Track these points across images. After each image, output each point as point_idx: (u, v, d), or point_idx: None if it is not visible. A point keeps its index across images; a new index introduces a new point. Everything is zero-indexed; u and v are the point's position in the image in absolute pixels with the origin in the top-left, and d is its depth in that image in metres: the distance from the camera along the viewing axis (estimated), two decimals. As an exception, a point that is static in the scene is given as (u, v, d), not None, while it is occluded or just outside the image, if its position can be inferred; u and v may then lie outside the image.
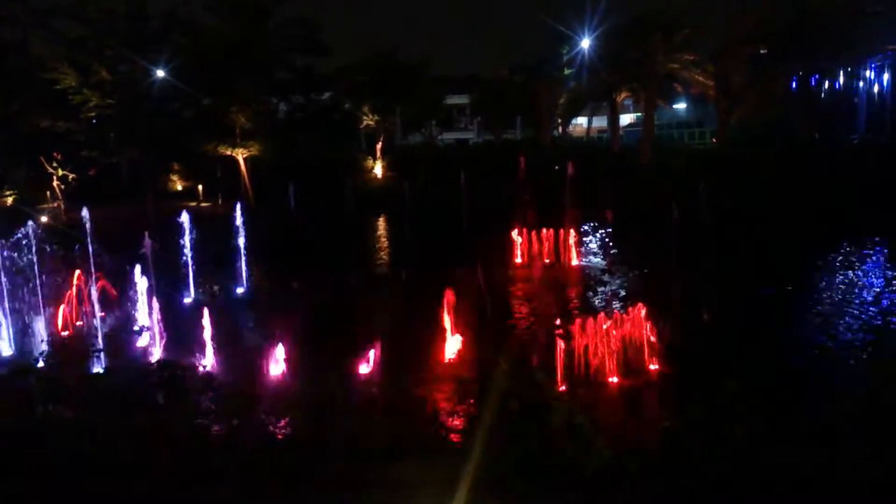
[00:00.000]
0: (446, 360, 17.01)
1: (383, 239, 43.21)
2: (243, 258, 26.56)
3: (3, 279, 19.18)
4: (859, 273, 26.67)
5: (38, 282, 18.90)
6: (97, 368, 16.34)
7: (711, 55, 57.68)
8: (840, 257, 28.83)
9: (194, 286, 22.98)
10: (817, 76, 63.44)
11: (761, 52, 58.49)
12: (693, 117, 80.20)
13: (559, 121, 72.12)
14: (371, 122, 67.97)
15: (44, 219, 47.41)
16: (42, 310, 18.71)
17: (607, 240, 32.45)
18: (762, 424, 12.92)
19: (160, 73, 54.27)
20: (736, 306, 22.00)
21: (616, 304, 19.23)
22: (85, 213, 18.25)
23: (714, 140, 66.50)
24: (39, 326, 18.92)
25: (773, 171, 43.24)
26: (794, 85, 63.12)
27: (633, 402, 14.72)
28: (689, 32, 56.92)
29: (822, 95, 66.46)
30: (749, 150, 52.44)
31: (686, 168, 49.92)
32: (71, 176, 55.08)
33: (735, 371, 16.49)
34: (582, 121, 79.17)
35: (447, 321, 18.33)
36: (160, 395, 13.56)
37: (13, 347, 18.91)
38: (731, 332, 19.98)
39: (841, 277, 26.19)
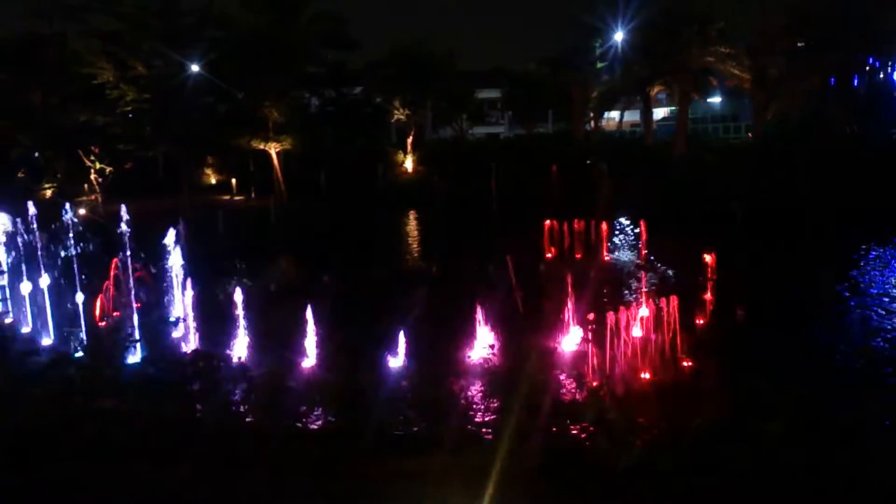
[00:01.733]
0: (476, 353, 17.02)
1: (413, 233, 43.31)
2: (276, 250, 26.83)
3: (42, 270, 19.56)
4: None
5: (76, 273, 19.23)
6: (133, 358, 16.63)
7: (747, 48, 56.76)
8: (877, 254, 28.32)
9: (229, 277, 23.23)
10: (856, 69, 62.12)
11: (798, 44, 57.44)
12: (728, 111, 79.12)
13: (591, 115, 71.56)
14: (401, 117, 68.14)
15: (82, 211, 48.36)
16: (80, 300, 19.04)
17: (640, 235, 32.20)
18: (795, 423, 12.80)
19: (195, 68, 54.90)
20: (771, 303, 21.71)
21: (648, 299, 19.06)
22: (123, 209, 18.52)
23: (749, 134, 65.54)
24: (77, 317, 19.26)
25: (809, 165, 42.52)
26: (831, 78, 61.86)
27: (664, 399, 14.60)
28: (723, 25, 56.08)
29: (861, 89, 65.09)
30: (785, 144, 51.57)
31: (721, 162, 49.29)
32: (108, 169, 55.99)
33: (769, 369, 16.37)
34: (614, 115, 78.47)
35: (478, 314, 18.34)
36: (195, 385, 13.77)
37: (52, 337, 19.30)
38: (767, 328, 19.75)
39: (877, 275, 25.75)
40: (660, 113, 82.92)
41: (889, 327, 19.52)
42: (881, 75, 65.14)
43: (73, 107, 56.31)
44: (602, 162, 48.83)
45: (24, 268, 20.23)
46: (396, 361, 16.73)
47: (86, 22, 56.00)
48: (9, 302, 21.06)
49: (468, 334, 17.97)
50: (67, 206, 18.97)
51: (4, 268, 21.79)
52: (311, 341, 17.16)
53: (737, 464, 11.14)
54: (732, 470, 11.02)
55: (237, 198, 62.86)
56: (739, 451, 11.51)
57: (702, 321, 19.73)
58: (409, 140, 67.61)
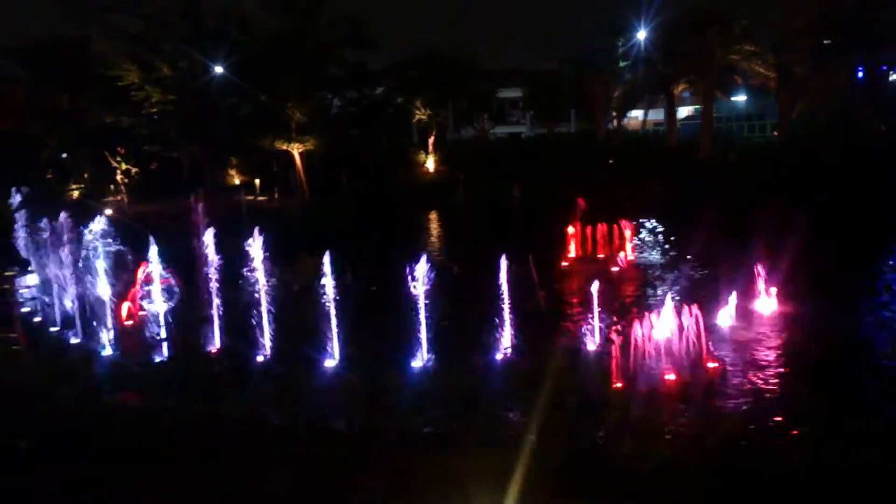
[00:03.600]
0: (500, 353, 16.98)
1: (434, 232, 43.35)
2: (300, 250, 26.94)
3: (71, 269, 19.80)
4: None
5: (104, 272, 19.45)
6: (160, 357, 16.79)
7: (772, 46, 56.18)
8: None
9: (255, 278, 23.36)
10: (883, 67, 61.19)
11: (824, 42, 56.70)
12: (753, 109, 78.34)
13: (614, 114, 71.18)
14: (423, 117, 68.25)
15: (108, 211, 48.95)
16: (108, 299, 19.26)
17: (664, 235, 31.96)
18: (824, 425, 12.65)
19: (218, 70, 55.39)
20: (797, 303, 21.44)
21: (672, 300, 18.92)
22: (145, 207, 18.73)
23: (775, 133, 64.86)
24: (105, 315, 19.48)
25: (836, 164, 41.99)
26: (858, 76, 61.00)
27: (690, 400, 14.48)
28: (747, 23, 55.56)
29: (888, 86, 64.09)
30: (812, 142, 50.97)
31: (746, 162, 48.83)
32: (133, 170, 56.65)
33: (799, 371, 16.19)
34: (637, 114, 77.97)
35: (501, 313, 18.28)
36: (221, 384, 13.87)
37: (80, 336, 19.54)
38: (796, 329, 19.53)
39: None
40: (684, 112, 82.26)
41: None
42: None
43: (99, 109, 57.06)
44: (624, 161, 48.62)
45: (52, 267, 20.49)
46: (420, 361, 16.74)
47: (110, 24, 56.67)
48: (38, 301, 21.33)
49: (491, 334, 17.92)
50: (95, 206, 19.17)
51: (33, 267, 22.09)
52: (335, 340, 17.21)
53: (762, 467, 11.03)
54: (758, 473, 10.91)
55: (260, 198, 63.29)
56: (765, 454, 11.42)
57: (727, 319, 19.56)
58: (431, 140, 67.70)
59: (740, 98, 76.94)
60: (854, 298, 22.17)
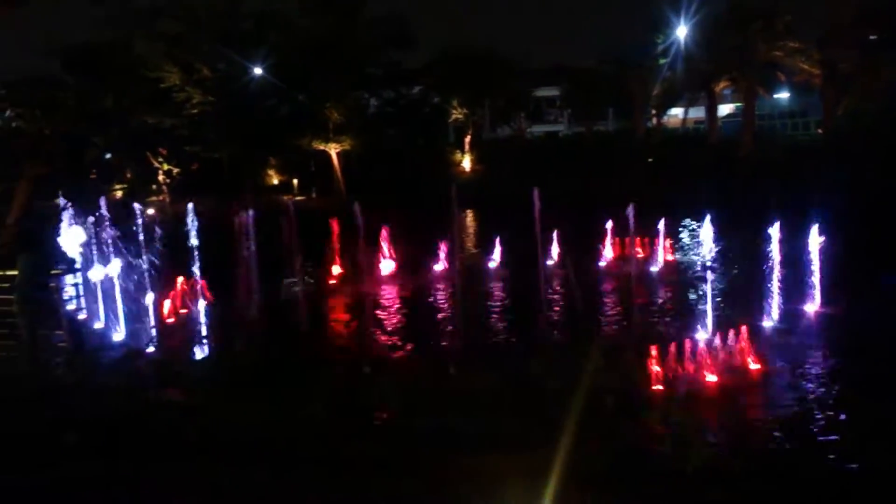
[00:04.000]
0: (537, 353, 16.89)
1: (470, 232, 43.32)
2: (340, 249, 27.18)
3: (117, 268, 20.14)
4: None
5: (147, 271, 19.77)
6: (202, 354, 17.01)
7: (816, 41, 55.09)
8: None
9: (293, 275, 23.63)
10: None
11: (871, 37, 55.42)
12: (797, 107, 76.89)
13: (653, 112, 70.39)
14: (459, 116, 68.22)
15: (150, 211, 49.81)
16: (150, 298, 19.57)
17: (704, 234, 31.48)
18: (870, 428, 12.38)
19: (257, 71, 56.03)
20: (842, 304, 20.95)
21: (713, 300, 18.64)
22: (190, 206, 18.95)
23: (820, 130, 63.59)
24: (148, 313, 19.79)
25: (884, 163, 40.98)
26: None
27: (733, 402, 14.25)
28: (790, 19, 54.56)
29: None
30: (858, 140, 49.80)
31: (789, 160, 47.89)
32: (175, 170, 57.58)
33: (844, 373, 15.82)
34: (677, 111, 77.04)
35: (538, 313, 18.20)
36: (262, 381, 13.99)
37: (124, 333, 19.89)
38: (841, 331, 19.10)
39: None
40: (725, 109, 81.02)
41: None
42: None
43: (142, 110, 58.08)
44: (664, 160, 48.06)
45: (97, 265, 20.87)
46: (458, 358, 16.70)
47: (152, 26, 57.59)
48: (83, 299, 21.75)
49: (528, 333, 17.86)
50: (138, 206, 19.53)
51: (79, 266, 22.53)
52: (373, 337, 17.30)
53: (807, 469, 10.84)
54: (803, 475, 10.72)
55: (298, 197, 63.89)
56: (808, 455, 11.23)
57: (771, 321, 19.20)
58: (467, 139, 67.65)
59: (783, 95, 75.56)
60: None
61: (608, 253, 29.29)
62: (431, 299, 24.47)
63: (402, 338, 19.03)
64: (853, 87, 55.02)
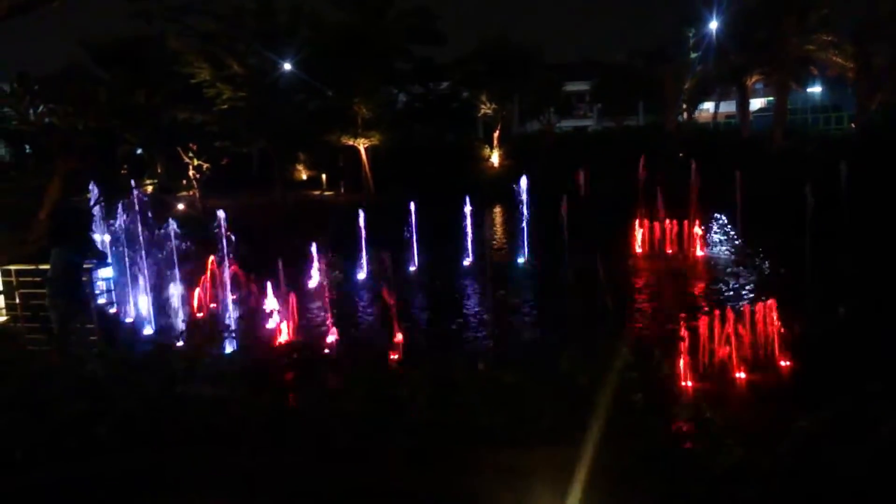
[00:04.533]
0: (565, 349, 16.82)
1: (499, 228, 43.20)
2: (366, 246, 27.28)
3: (146, 262, 20.42)
4: None
5: (175, 265, 20.01)
6: (230, 348, 17.14)
7: (851, 35, 54.06)
8: None
9: (321, 271, 23.79)
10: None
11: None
12: (829, 101, 75.65)
13: (684, 106, 69.64)
14: (488, 111, 68.00)
15: (181, 206, 50.36)
16: (180, 292, 19.80)
17: (736, 230, 31.14)
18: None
19: (287, 67, 56.28)
20: (872, 302, 20.57)
21: (744, 297, 18.43)
22: (220, 214, 19.08)
23: (853, 125, 62.48)
24: (177, 308, 20.04)
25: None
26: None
27: (763, 399, 14.05)
28: (827, 12, 53.60)
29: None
30: (891, 135, 48.80)
31: (822, 155, 47.03)
32: (205, 165, 58.11)
33: (874, 369, 15.53)
34: (708, 106, 76.12)
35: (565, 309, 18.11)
36: (290, 376, 14.03)
37: (154, 327, 20.14)
38: (869, 328, 18.74)
39: None
40: (756, 104, 79.87)
41: None
42: None
43: (173, 106, 58.65)
44: (695, 154, 47.41)
45: (128, 261, 21.16)
46: (487, 356, 16.68)
47: (185, 23, 58.07)
48: (113, 293, 22.08)
49: (555, 330, 17.77)
50: (169, 200, 19.75)
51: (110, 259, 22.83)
52: (400, 335, 17.31)
53: (842, 467, 10.62)
54: (837, 473, 10.50)
55: (327, 193, 64.21)
56: (844, 453, 10.99)
57: (801, 320, 18.89)
58: (496, 134, 67.43)
59: (815, 89, 74.37)
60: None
61: (640, 248, 29.10)
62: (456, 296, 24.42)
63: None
64: (888, 80, 53.94)
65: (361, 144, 60.51)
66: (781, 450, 11.15)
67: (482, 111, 68.54)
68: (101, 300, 19.99)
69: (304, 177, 70.50)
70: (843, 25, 56.06)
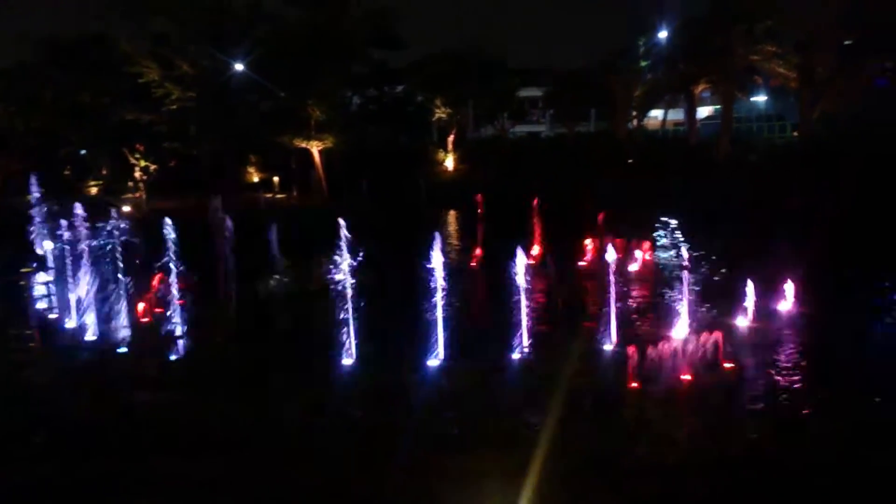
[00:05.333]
0: (518, 353, 16.85)
1: (452, 231, 43.20)
2: (315, 249, 26.95)
3: (88, 267, 19.85)
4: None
5: (119, 270, 19.51)
6: (175, 355, 16.79)
7: (795, 46, 55.58)
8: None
9: (270, 275, 23.44)
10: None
11: (847, 42, 56.00)
12: (774, 110, 77.62)
13: (634, 113, 70.73)
14: (443, 115, 68.10)
15: (126, 208, 49.25)
16: (123, 298, 19.31)
17: (682, 235, 31.60)
18: (842, 423, 12.51)
19: (239, 67, 55.42)
20: (814, 305, 21.16)
21: (689, 301, 18.72)
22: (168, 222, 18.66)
23: (795, 134, 64.22)
24: (121, 313, 19.52)
25: (858, 166, 41.38)
26: (881, 76, 60.26)
27: (707, 400, 14.33)
28: (771, 23, 55.00)
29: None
30: (833, 144, 50.35)
31: (766, 163, 48.32)
32: (152, 167, 56.91)
33: (807, 370, 15.97)
34: (657, 113, 77.47)
35: (517, 313, 18.12)
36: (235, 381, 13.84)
37: (96, 333, 19.60)
38: (812, 329, 19.30)
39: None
40: (704, 112, 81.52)
41: None
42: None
43: (120, 106, 57.37)
44: (644, 161, 48.27)
45: (69, 265, 20.57)
46: (436, 359, 16.63)
47: (136, 23, 56.81)
48: (54, 298, 21.44)
49: (507, 334, 17.78)
50: (114, 203, 19.28)
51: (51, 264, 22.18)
52: (350, 339, 17.14)
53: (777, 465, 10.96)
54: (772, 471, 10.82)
55: (279, 196, 63.45)
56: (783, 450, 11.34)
57: (744, 320, 19.34)
58: (451, 138, 67.55)
59: (760, 98, 76.27)
60: (867, 299, 21.91)
61: (590, 253, 29.38)
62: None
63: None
64: (829, 91, 55.58)
65: (315, 147, 59.94)
66: (725, 448, 11.43)
67: (437, 115, 68.60)
68: (41, 305, 19.39)
69: (256, 179, 69.54)
70: (788, 37, 57.61)
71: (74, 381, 14.83)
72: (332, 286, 17.37)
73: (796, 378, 15.60)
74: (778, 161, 48.26)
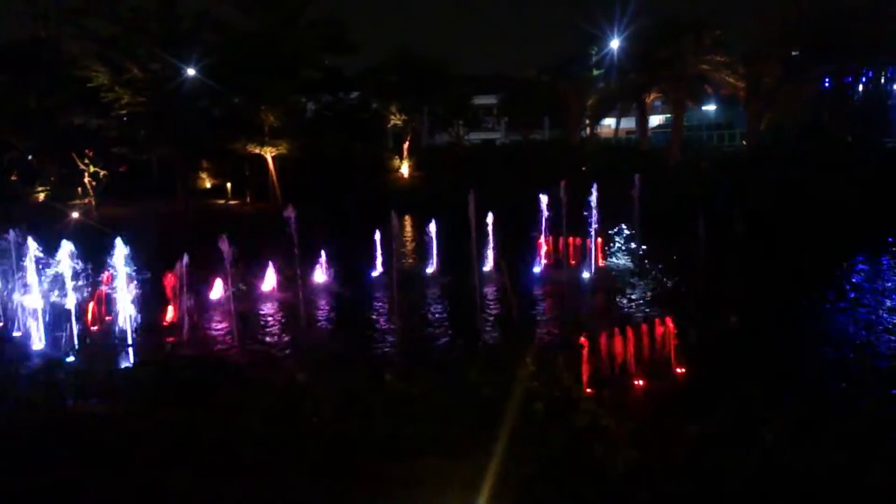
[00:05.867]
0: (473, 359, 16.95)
1: (407, 239, 43.25)
2: (271, 256, 26.76)
3: (36, 274, 19.45)
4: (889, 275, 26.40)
5: (69, 277, 19.13)
6: (126, 363, 16.53)
7: (743, 56, 57.04)
8: (869, 260, 28.46)
9: (225, 283, 23.17)
10: (850, 78, 62.40)
11: (793, 53, 57.68)
12: (723, 119, 79.47)
13: (587, 121, 71.73)
14: (398, 122, 68.16)
15: (75, 215, 48.18)
16: (72, 305, 18.93)
17: (634, 242, 32.12)
18: (789, 429, 12.79)
19: (191, 72, 54.73)
20: (762, 309, 21.73)
21: (642, 307, 19.12)
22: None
23: (744, 142, 65.80)
24: (69, 321, 19.15)
25: (804, 174, 42.62)
26: (826, 86, 62.17)
27: (659, 405, 14.57)
28: (720, 34, 56.35)
29: (856, 97, 65.39)
30: (780, 152, 51.73)
31: (714, 170, 49.39)
32: (102, 172, 55.75)
33: (761, 375, 16.36)
34: (610, 122, 78.73)
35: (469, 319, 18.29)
36: (187, 390, 13.66)
37: (44, 341, 19.19)
38: (758, 334, 19.77)
39: (866, 279, 25.94)
40: (655, 120, 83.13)
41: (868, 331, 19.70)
42: (875, 84, 65.42)
43: (68, 110, 56.13)
44: (597, 169, 48.89)
45: (15, 273, 20.13)
46: (387, 364, 16.64)
47: (83, 26, 55.73)
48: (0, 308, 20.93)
49: (455, 338, 17.93)
50: (62, 209, 18.90)
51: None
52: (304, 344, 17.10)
53: (731, 469, 11.11)
54: (726, 475, 10.99)
55: (232, 202, 62.74)
56: (734, 456, 11.48)
57: (694, 327, 19.74)
58: (406, 145, 67.65)
59: (711, 107, 77.99)
60: (819, 304, 22.61)
61: (543, 260, 29.67)
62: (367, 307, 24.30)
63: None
64: (776, 101, 57.08)
65: (268, 153, 59.41)
66: (675, 454, 11.60)
67: (392, 122, 68.62)
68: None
69: (209, 185, 68.63)
70: (736, 47, 59.12)
71: (20, 392, 14.46)
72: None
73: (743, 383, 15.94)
74: (725, 169, 49.38)
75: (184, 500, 10.93)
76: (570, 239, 29.70)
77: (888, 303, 22.63)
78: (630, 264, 29.84)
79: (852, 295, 23.58)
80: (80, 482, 11.29)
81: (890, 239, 32.76)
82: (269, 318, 22.56)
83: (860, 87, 64.66)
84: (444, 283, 26.70)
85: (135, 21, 54.48)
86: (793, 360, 17.44)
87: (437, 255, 28.68)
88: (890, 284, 25.40)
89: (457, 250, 28.25)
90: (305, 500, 10.99)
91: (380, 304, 24.27)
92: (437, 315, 22.77)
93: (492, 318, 21.57)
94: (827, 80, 60.96)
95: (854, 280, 26.08)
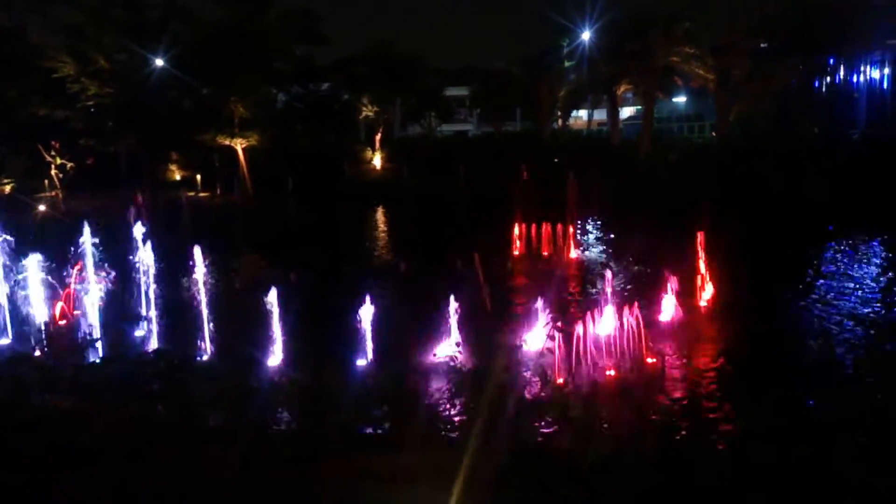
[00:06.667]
0: (443, 351, 16.97)
1: (381, 231, 43.16)
2: (241, 248, 26.56)
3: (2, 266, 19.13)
4: (855, 266, 26.85)
5: (35, 271, 18.84)
6: (93, 358, 16.30)
7: (712, 48, 57.50)
8: (835, 251, 28.96)
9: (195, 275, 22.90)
10: (817, 70, 63.28)
11: (762, 45, 58.30)
12: (693, 111, 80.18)
13: (559, 113, 71.92)
14: (370, 114, 67.77)
15: (41, 207, 47.34)
16: (40, 299, 18.65)
17: (606, 232, 32.44)
18: (759, 421, 12.99)
19: (159, 63, 53.94)
20: (730, 299, 21.99)
21: (614, 297, 19.23)
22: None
23: (714, 134, 66.44)
24: (36, 316, 18.86)
25: (771, 165, 43.20)
26: (794, 79, 62.99)
27: (630, 396, 14.70)
28: (689, 26, 56.71)
29: (823, 89, 66.36)
30: (748, 143, 52.41)
31: (684, 161, 49.90)
32: (69, 164, 54.82)
33: (731, 367, 16.59)
34: (582, 113, 79.00)
35: (444, 311, 18.28)
36: (157, 386, 13.52)
37: (9, 336, 18.88)
38: (728, 326, 20.04)
39: (833, 269, 26.39)
40: (627, 112, 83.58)
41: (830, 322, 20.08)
42: (842, 76, 66.51)
43: (32, 101, 55.00)
44: (569, 160, 49.15)
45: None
46: (363, 360, 16.63)
47: (48, 14, 54.69)
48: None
49: (434, 332, 17.92)
50: (27, 202, 18.58)
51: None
52: (277, 340, 16.99)
53: (701, 461, 11.25)
54: (696, 468, 11.12)
55: (202, 194, 62.06)
56: (704, 448, 11.65)
57: (667, 315, 19.93)
58: (378, 137, 67.35)
59: (681, 99, 78.62)
60: (787, 294, 22.94)
61: (516, 250, 29.81)
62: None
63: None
64: (744, 92, 57.66)
65: (239, 145, 58.79)
66: (646, 445, 11.74)
67: (364, 113, 68.18)
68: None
69: (178, 177, 67.75)
70: (706, 39, 59.52)
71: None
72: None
73: (713, 374, 16.16)
74: (696, 160, 49.91)
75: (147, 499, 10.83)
76: (542, 229, 29.83)
77: (846, 291, 23.10)
78: (602, 255, 30.06)
79: (801, 287, 23.96)
80: (43, 479, 11.15)
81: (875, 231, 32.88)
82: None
83: (827, 80, 65.69)
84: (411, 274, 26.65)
85: (100, 9, 53.51)
86: (759, 350, 17.67)
87: (407, 247, 28.64)
88: (851, 273, 25.85)
89: (428, 241, 28.34)
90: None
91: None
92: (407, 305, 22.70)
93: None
94: (794, 72, 61.75)
95: (808, 273, 26.43)
